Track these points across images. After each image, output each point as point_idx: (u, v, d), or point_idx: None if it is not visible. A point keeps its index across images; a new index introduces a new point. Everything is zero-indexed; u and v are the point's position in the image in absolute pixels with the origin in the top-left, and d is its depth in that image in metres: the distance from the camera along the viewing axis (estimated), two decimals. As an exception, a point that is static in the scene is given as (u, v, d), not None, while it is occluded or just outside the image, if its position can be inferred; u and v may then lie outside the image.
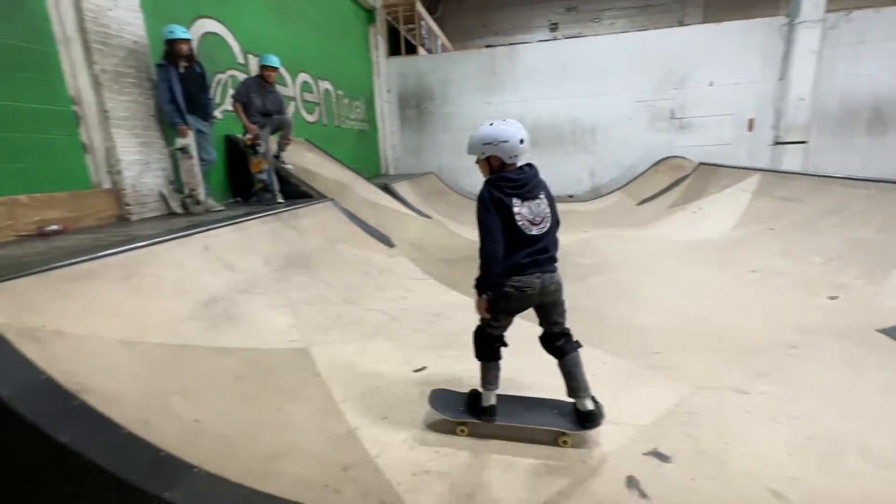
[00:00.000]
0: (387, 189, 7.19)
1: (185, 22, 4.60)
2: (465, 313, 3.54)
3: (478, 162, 1.91)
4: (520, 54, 10.01)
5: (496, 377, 2.04)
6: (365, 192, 6.33)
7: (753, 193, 5.57)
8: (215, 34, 5.13)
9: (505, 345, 2.05)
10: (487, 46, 12.77)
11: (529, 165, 1.90)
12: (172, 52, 3.89)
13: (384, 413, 2.21)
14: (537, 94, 10.04)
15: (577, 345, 2.00)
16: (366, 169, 9.16)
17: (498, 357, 2.04)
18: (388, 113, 10.70)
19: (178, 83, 3.93)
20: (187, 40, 3.94)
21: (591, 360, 2.67)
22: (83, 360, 1.92)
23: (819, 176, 5.13)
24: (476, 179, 1.91)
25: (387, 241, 5.10)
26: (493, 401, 2.04)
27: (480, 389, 2.07)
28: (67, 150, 3.51)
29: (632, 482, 1.74)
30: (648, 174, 9.12)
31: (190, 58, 4.03)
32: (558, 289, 1.92)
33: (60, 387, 1.72)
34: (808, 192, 4.72)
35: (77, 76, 3.54)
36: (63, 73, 3.46)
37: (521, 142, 1.82)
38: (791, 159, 8.71)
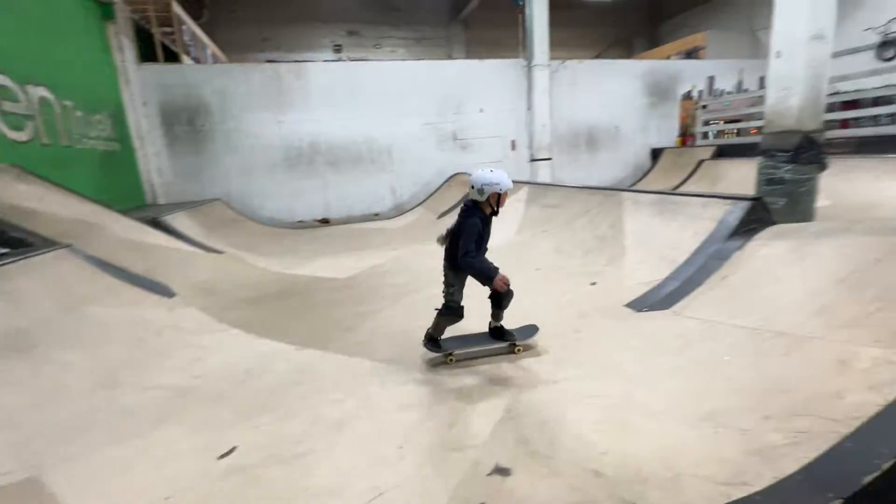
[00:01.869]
0: (157, 223, 5.82)
1: None
2: (286, 361, 3.07)
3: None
4: (309, 73, 9.64)
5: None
6: (124, 231, 4.96)
7: (526, 202, 6.66)
8: None
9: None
10: (269, 62, 11.91)
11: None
12: None
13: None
14: (332, 115, 9.85)
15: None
16: (123, 199, 7.28)
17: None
18: (148, 130, 8.78)
19: None
20: None
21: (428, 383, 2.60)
22: None
23: (568, 186, 6.49)
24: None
25: (164, 291, 4.06)
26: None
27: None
28: None
29: (484, 511, 1.72)
30: (443, 189, 10.00)
31: None
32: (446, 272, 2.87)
33: None
34: (564, 199, 5.91)
35: None
36: None
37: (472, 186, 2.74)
38: (544, 173, 10.87)
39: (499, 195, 2.71)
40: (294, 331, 3.64)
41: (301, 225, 9.79)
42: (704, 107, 11.14)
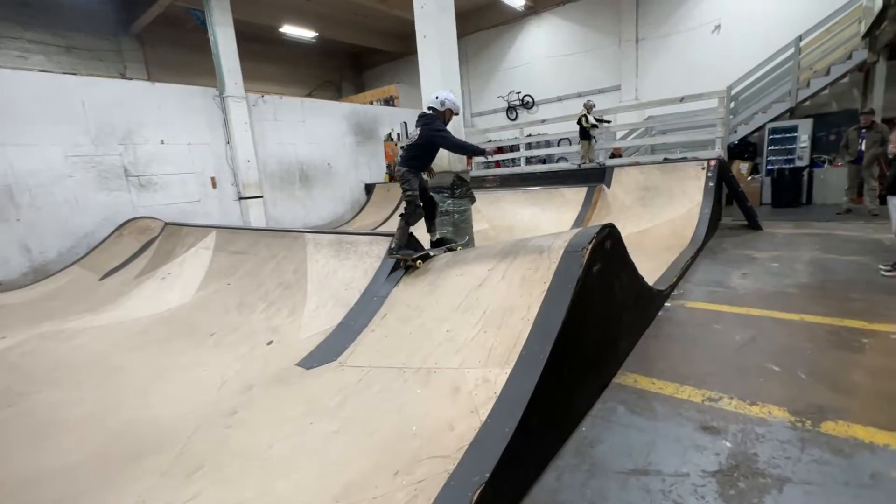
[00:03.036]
0: None
1: None
2: None
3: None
4: None
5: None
6: None
7: (213, 250, 5.67)
8: None
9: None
10: None
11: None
12: None
13: None
14: None
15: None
16: None
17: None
18: None
19: None
20: None
21: None
22: None
23: (257, 230, 5.90)
24: None
25: None
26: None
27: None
28: None
29: None
30: (112, 240, 7.70)
31: None
32: (400, 175, 3.80)
33: None
34: (251, 244, 5.26)
35: None
36: None
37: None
38: (255, 212, 9.94)
39: (452, 112, 3.70)
40: None
41: None
42: (403, 147, 12.67)
